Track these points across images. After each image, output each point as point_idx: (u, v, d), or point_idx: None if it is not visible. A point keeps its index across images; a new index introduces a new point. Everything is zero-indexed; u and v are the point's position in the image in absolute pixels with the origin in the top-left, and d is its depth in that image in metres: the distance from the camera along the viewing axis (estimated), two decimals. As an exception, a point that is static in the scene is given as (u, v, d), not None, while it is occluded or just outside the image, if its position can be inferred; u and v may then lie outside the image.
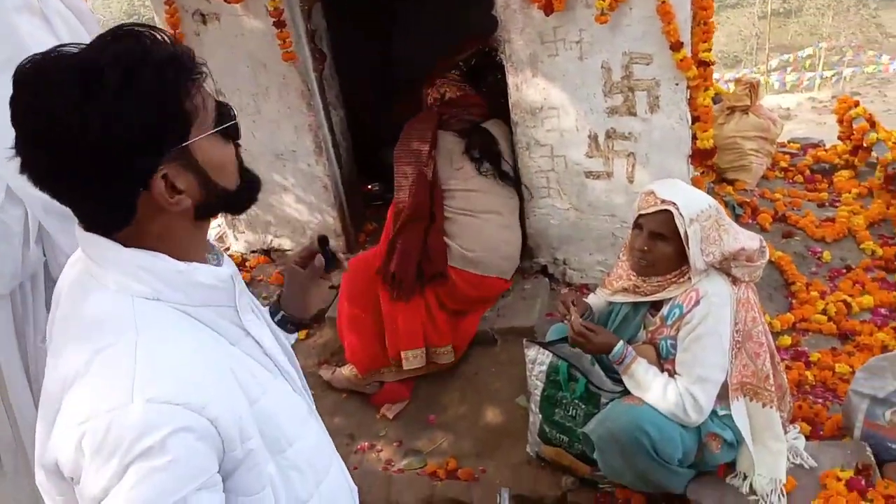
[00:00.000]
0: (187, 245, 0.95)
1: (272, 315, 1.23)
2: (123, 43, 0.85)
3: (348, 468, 2.67)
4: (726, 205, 3.58)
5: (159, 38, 0.87)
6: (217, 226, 4.13)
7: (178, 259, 0.92)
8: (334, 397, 3.09)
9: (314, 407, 1.18)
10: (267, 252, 3.88)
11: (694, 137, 2.90)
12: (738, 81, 4.32)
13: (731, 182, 3.92)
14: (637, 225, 2.07)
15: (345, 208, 3.66)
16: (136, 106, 0.83)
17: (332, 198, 3.57)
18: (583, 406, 2.26)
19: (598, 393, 2.20)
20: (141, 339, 0.85)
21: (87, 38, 1.04)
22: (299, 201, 3.63)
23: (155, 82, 0.84)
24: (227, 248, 3.98)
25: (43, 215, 1.49)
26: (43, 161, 0.84)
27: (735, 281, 2.03)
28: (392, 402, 3.02)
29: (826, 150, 4.24)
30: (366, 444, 2.90)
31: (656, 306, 2.14)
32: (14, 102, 0.84)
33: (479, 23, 3.17)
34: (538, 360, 2.39)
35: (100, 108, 0.81)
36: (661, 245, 2.02)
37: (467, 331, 3.07)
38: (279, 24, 3.10)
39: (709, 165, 2.97)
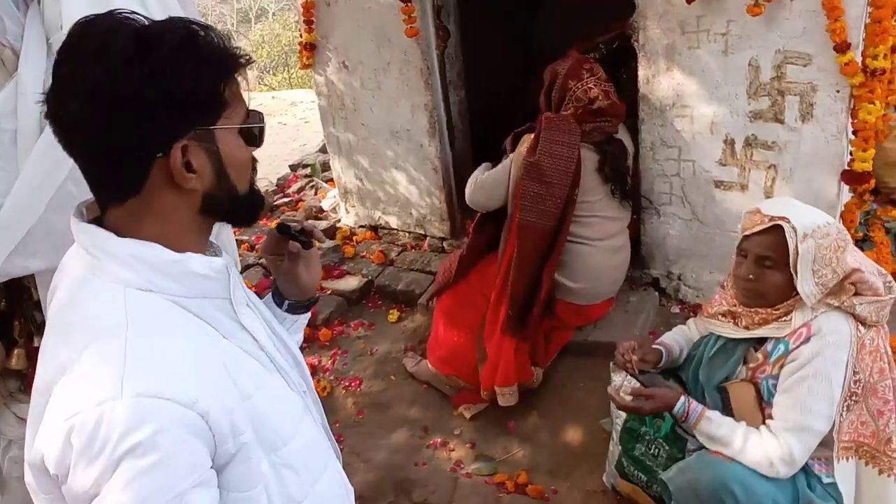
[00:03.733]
0: (186, 235, 0.92)
1: (279, 304, 1.23)
2: (184, 23, 0.87)
3: (419, 462, 2.67)
4: (887, 231, 3.08)
5: (214, 34, 0.89)
6: (333, 196, 4.19)
7: (175, 249, 0.89)
8: (414, 387, 3.03)
9: (314, 405, 1.14)
10: (374, 228, 3.88)
11: (850, 156, 2.49)
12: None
13: (901, 207, 3.38)
14: (741, 251, 1.80)
15: (453, 192, 3.55)
16: (180, 72, 0.83)
17: (440, 180, 3.47)
18: (666, 447, 2.02)
19: (685, 438, 1.95)
20: (131, 332, 0.83)
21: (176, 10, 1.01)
22: (410, 181, 3.57)
23: (203, 58, 0.86)
24: (338, 221, 4.02)
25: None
26: (74, 108, 0.83)
27: (861, 323, 1.70)
28: (472, 403, 2.91)
29: None
30: (439, 439, 2.81)
31: (761, 339, 1.85)
32: (63, 50, 0.85)
33: (621, 3, 2.88)
34: (623, 387, 2.16)
35: (147, 63, 0.82)
36: (769, 273, 1.74)
37: (559, 341, 2.88)
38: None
39: (861, 194, 2.51)
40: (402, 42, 3.20)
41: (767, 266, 1.74)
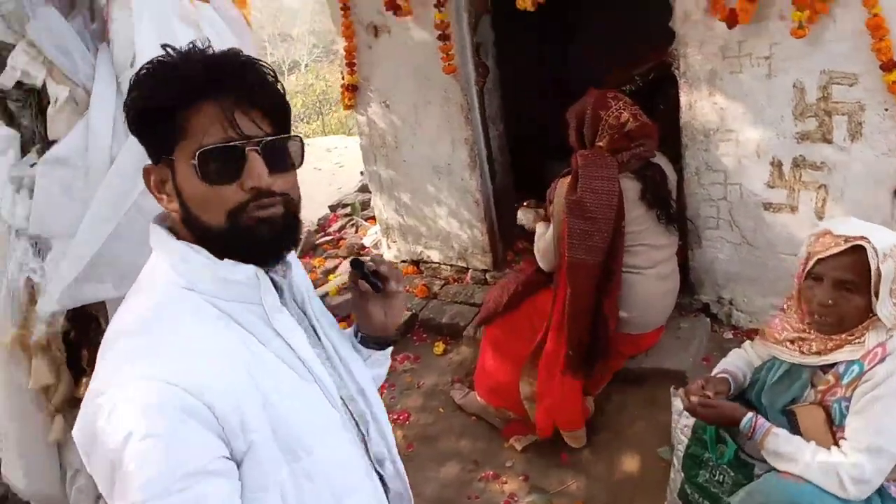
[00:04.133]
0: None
1: (355, 333, 1.23)
2: (195, 49, 0.91)
3: (471, 495, 2.62)
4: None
5: (198, 49, 0.91)
6: (374, 232, 4.25)
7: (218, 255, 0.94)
8: (462, 419, 3.00)
9: (375, 433, 1.11)
10: (416, 262, 3.91)
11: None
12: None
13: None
14: (814, 275, 1.72)
15: (494, 225, 3.58)
16: (138, 92, 0.90)
17: (482, 213, 3.50)
18: (731, 473, 1.96)
19: (751, 463, 1.89)
20: (163, 325, 0.89)
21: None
22: (451, 214, 3.61)
23: (160, 81, 0.89)
24: (381, 255, 4.07)
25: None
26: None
27: None
28: (522, 435, 2.86)
29: None
30: (490, 472, 2.76)
31: (831, 362, 1.80)
32: None
33: (657, 34, 2.91)
34: (685, 412, 2.12)
35: (132, 86, 0.92)
36: (849, 297, 1.68)
37: (610, 370, 2.83)
38: (443, 37, 3.10)
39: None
40: (441, 79, 3.27)
41: (847, 290, 1.67)
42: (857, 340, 1.72)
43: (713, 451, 2.01)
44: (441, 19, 3.04)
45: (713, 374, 2.08)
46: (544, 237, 2.73)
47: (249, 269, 0.94)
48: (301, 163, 0.99)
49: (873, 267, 1.62)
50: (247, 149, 0.90)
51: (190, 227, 0.94)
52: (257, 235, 0.93)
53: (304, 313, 1.08)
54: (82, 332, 1.60)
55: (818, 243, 1.73)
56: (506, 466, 2.79)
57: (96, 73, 1.38)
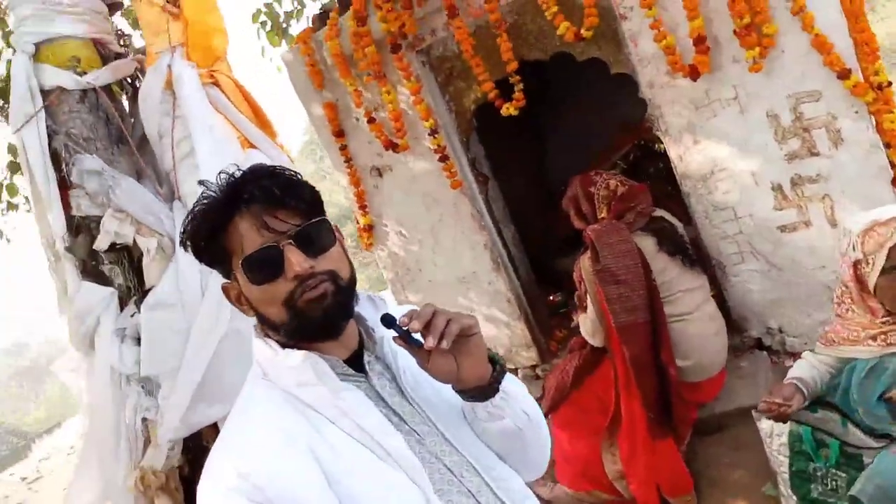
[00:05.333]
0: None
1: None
2: (226, 175, 1.05)
3: None
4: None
5: (227, 176, 1.04)
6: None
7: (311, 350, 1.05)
8: (556, 512, 2.91)
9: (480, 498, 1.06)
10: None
11: (892, 167, 2.62)
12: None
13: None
14: (892, 267, 1.75)
15: (531, 319, 3.67)
16: (186, 229, 1.06)
17: (516, 310, 3.61)
18: (842, 474, 1.94)
19: (858, 453, 1.88)
20: (236, 416, 1.04)
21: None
22: (487, 319, 3.71)
23: (195, 216, 1.04)
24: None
25: None
26: None
27: None
28: (620, 514, 2.78)
29: None
30: (599, 559, 2.66)
31: None
32: None
33: (631, 112, 3.20)
34: (775, 431, 2.12)
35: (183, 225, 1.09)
36: None
37: (686, 423, 2.81)
38: (443, 158, 3.38)
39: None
40: (448, 197, 3.52)
41: None
42: None
43: (817, 457, 2.00)
44: (438, 143, 3.35)
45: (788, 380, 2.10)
46: (588, 318, 2.83)
47: (298, 355, 1.02)
48: (335, 240, 1.07)
49: None
50: (281, 244, 1.00)
51: (266, 325, 1.06)
52: (310, 315, 1.01)
53: (401, 391, 1.09)
54: (196, 467, 1.66)
55: (872, 237, 1.78)
56: (613, 550, 2.69)
57: (176, 223, 1.57)
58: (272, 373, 1.04)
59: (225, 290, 1.08)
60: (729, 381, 2.91)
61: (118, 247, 1.60)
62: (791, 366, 2.96)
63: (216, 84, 2.08)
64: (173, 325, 1.52)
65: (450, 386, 1.08)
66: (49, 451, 11.05)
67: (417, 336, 1.02)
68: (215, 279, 1.50)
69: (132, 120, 2.04)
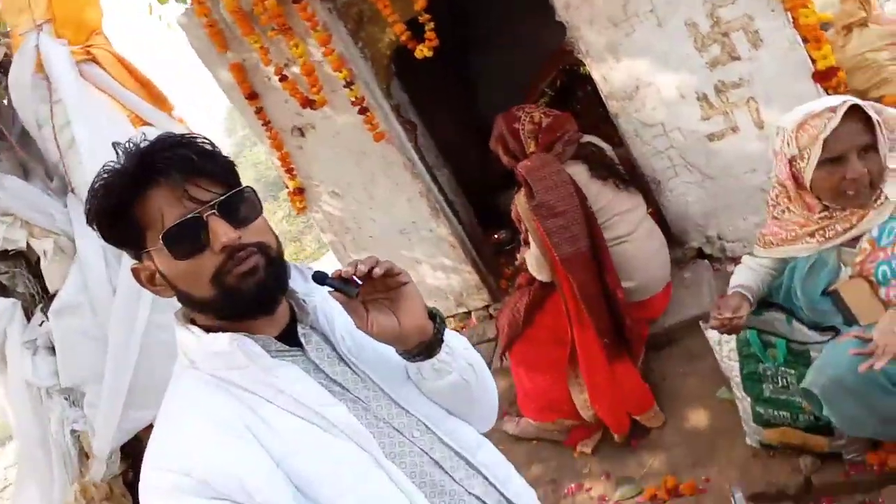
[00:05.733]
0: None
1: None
2: (133, 144, 0.96)
3: None
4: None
5: (132, 146, 0.95)
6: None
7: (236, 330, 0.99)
8: (525, 447, 2.95)
9: (442, 455, 1.04)
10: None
11: (812, 62, 2.62)
12: (843, -1, 3.92)
13: (878, 100, 3.48)
14: (831, 158, 1.71)
15: (478, 261, 3.64)
16: (91, 202, 0.95)
17: (462, 254, 3.57)
18: (792, 371, 1.99)
19: (804, 349, 1.92)
20: (166, 413, 0.98)
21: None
22: (434, 268, 3.66)
23: (111, 185, 0.94)
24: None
25: None
26: None
27: None
28: (587, 437, 2.83)
29: (976, 30, 3.67)
30: (572, 486, 2.71)
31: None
32: None
33: (556, 38, 3.10)
34: (723, 338, 2.15)
35: (88, 199, 0.97)
36: (874, 157, 1.71)
37: (639, 341, 2.85)
38: (363, 110, 3.24)
39: (836, 86, 2.63)
40: (377, 149, 3.40)
41: (870, 151, 1.70)
42: (878, 202, 1.75)
43: (766, 358, 2.04)
44: (355, 95, 3.20)
45: (730, 290, 2.10)
46: (532, 255, 2.81)
47: (224, 338, 0.96)
48: (261, 210, 1.01)
49: (874, 119, 1.66)
50: (205, 215, 0.93)
51: (191, 306, 0.99)
52: (245, 290, 0.94)
53: (342, 359, 1.05)
54: (138, 470, 1.57)
55: (805, 131, 1.74)
56: (584, 473, 2.74)
57: (72, 218, 1.43)
58: (199, 360, 0.98)
59: (135, 272, 0.99)
60: (675, 294, 2.96)
61: (12, 253, 1.45)
62: (732, 271, 3.05)
63: (94, 60, 1.88)
64: (86, 328, 1.41)
65: (392, 349, 1.05)
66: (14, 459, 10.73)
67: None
68: (125, 272, 1.38)
69: (12, 112, 1.85)
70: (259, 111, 3.51)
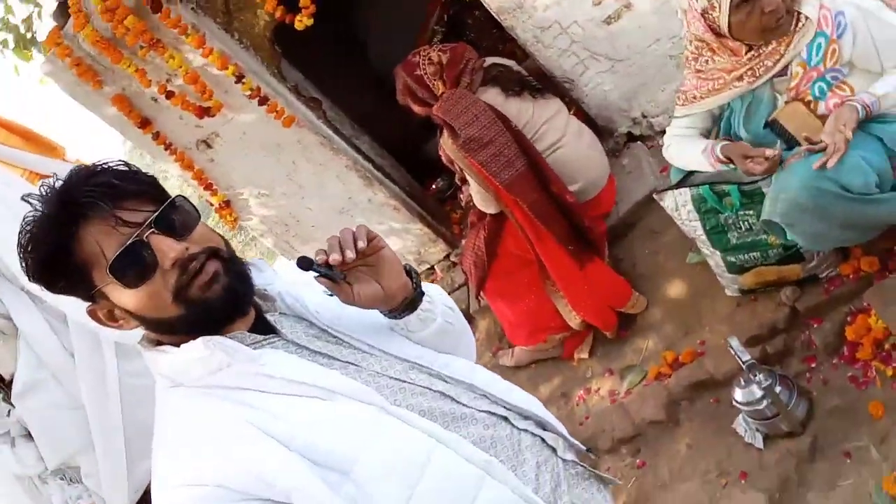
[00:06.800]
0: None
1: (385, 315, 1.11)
2: (49, 188, 0.92)
3: (581, 421, 2.61)
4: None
5: (47, 190, 0.91)
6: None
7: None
8: (526, 374, 3.00)
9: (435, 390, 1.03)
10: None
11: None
12: None
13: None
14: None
15: (425, 216, 3.60)
16: (24, 257, 0.91)
17: (407, 214, 3.52)
18: (750, 212, 2.04)
19: (755, 189, 1.97)
20: (157, 438, 0.94)
21: None
22: (386, 234, 3.55)
23: (39, 236, 0.90)
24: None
25: None
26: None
27: None
28: (579, 344, 2.88)
29: None
30: (581, 393, 2.77)
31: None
32: None
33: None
34: (679, 202, 2.19)
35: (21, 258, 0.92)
36: None
37: (601, 237, 2.88)
38: (262, 101, 3.12)
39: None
40: (289, 136, 3.29)
41: None
42: (799, 25, 1.79)
43: (723, 208, 2.08)
44: (249, 88, 3.07)
45: (709, 152, 2.05)
46: (474, 190, 2.79)
47: (198, 343, 0.93)
48: (198, 216, 0.98)
49: None
50: (145, 236, 0.90)
51: (160, 331, 0.96)
52: (213, 298, 0.93)
53: (323, 331, 1.04)
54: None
55: None
56: (588, 378, 2.81)
57: (1, 292, 1.34)
58: (179, 375, 0.94)
59: (92, 313, 0.95)
60: (619, 182, 2.98)
61: (-53, 350, 1.36)
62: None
63: None
64: (57, 401, 1.33)
65: (369, 312, 1.06)
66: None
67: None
68: (75, 328, 1.30)
69: None
70: (157, 136, 3.34)
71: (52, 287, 0.93)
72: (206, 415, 0.92)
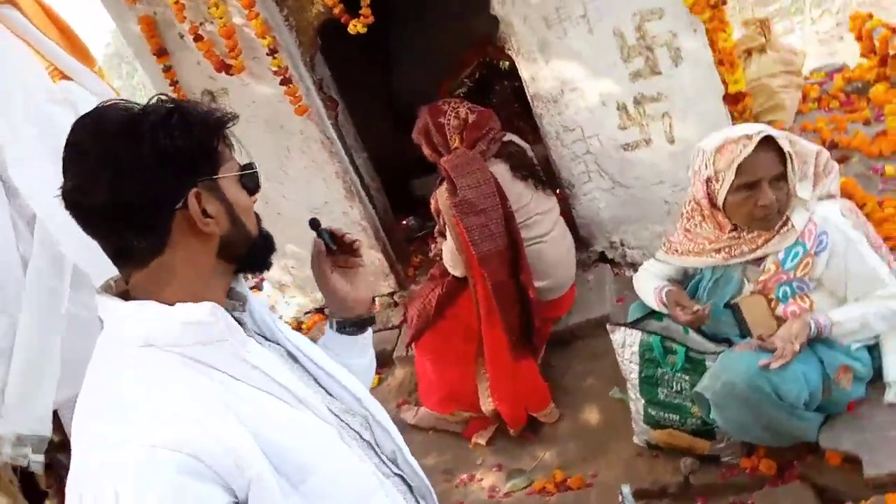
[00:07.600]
0: (205, 283, 0.98)
1: (331, 326, 1.24)
2: (168, 100, 0.97)
3: (448, 501, 2.58)
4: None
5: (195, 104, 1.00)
6: (267, 296, 4.12)
7: (196, 301, 0.94)
8: (421, 436, 2.96)
9: (377, 429, 1.12)
10: (320, 310, 3.83)
11: (724, 84, 2.77)
12: (745, 23, 4.18)
13: (770, 124, 3.75)
14: (747, 184, 1.82)
15: (388, 247, 3.60)
16: (171, 135, 0.92)
17: (373, 240, 3.51)
18: (686, 377, 2.10)
19: (700, 358, 2.04)
20: (128, 392, 0.90)
21: None
22: (343, 250, 3.58)
23: (191, 120, 0.95)
24: (280, 317, 3.94)
25: None
26: (88, 189, 0.90)
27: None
28: (483, 429, 2.88)
29: (853, 70, 4.05)
30: (465, 476, 2.75)
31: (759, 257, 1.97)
32: (66, 146, 0.93)
33: (482, 29, 3.09)
34: (627, 341, 2.24)
35: (138, 134, 0.91)
36: (784, 186, 1.83)
37: (542, 338, 2.93)
38: (286, 81, 3.11)
39: (742, 111, 2.82)
40: (294, 124, 3.27)
41: (781, 180, 1.81)
42: (784, 228, 1.87)
43: (665, 364, 2.14)
44: (278, 65, 3.06)
45: (657, 291, 2.17)
46: (448, 249, 2.80)
47: (206, 307, 0.93)
48: None
49: (786, 150, 1.78)
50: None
51: (228, 248, 0.99)
52: (270, 236, 1.06)
53: (276, 342, 1.09)
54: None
55: (723, 155, 1.83)
56: (477, 465, 2.80)
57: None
58: (159, 337, 0.92)
59: (198, 196, 0.94)
60: (579, 294, 3.05)
61: None
62: (631, 275, 3.18)
63: (13, 3, 1.66)
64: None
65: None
66: None
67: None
68: (41, 236, 1.22)
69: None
70: (167, 70, 3.28)
71: (168, 163, 0.92)
72: (183, 382, 0.91)
